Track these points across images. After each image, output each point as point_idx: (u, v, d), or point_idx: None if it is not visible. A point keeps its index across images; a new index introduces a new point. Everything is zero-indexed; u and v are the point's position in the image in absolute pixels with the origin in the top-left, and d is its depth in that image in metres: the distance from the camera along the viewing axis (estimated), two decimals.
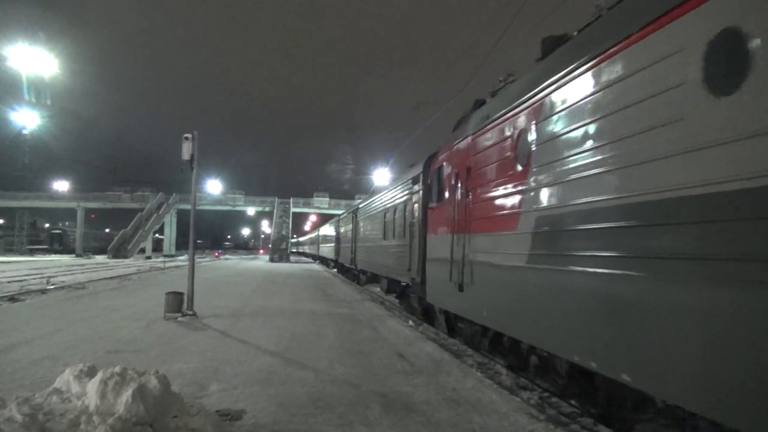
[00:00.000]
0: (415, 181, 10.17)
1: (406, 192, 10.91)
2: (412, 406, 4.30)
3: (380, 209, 14.75)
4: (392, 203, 12.85)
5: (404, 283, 11.18)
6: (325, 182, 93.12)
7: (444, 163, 7.67)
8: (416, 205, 9.88)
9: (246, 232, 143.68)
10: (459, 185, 6.79)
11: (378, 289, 16.37)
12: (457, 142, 7.13)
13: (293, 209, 58.30)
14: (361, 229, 18.76)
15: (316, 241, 51.64)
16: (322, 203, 60.89)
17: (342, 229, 26.10)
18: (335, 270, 29.65)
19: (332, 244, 31.45)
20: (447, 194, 7.39)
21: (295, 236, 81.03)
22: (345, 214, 26.14)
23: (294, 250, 75.60)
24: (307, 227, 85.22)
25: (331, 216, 45.15)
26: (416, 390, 4.78)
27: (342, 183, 70.97)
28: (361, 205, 20.36)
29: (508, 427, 3.88)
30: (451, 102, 14.16)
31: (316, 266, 36.74)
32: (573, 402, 4.96)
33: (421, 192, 9.38)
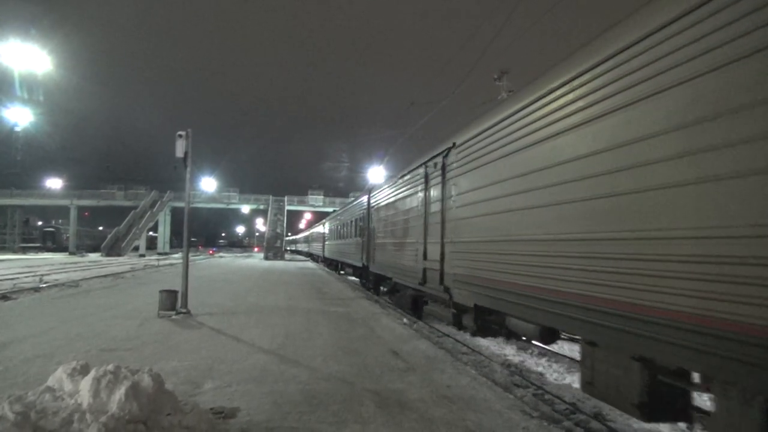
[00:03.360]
0: None
1: None
2: (406, 403, 4.32)
3: None
4: None
5: None
6: (320, 180, 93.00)
7: None
8: None
9: (241, 230, 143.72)
10: None
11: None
12: None
13: (288, 207, 58.23)
14: (465, 207, 6.56)
15: (318, 238, 37.90)
16: (317, 201, 61.07)
17: (375, 214, 13.91)
18: (359, 280, 18.78)
19: (352, 241, 18.85)
20: None
21: (289, 234, 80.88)
22: (388, 186, 12.46)
23: (291, 248, 75.48)
24: (302, 225, 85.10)
25: (325, 214, 44.62)
26: (410, 387, 4.79)
27: (337, 181, 70.88)
28: (468, 144, 6.56)
29: (503, 424, 3.90)
30: (446, 101, 14.17)
31: (311, 264, 36.66)
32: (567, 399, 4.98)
33: None
